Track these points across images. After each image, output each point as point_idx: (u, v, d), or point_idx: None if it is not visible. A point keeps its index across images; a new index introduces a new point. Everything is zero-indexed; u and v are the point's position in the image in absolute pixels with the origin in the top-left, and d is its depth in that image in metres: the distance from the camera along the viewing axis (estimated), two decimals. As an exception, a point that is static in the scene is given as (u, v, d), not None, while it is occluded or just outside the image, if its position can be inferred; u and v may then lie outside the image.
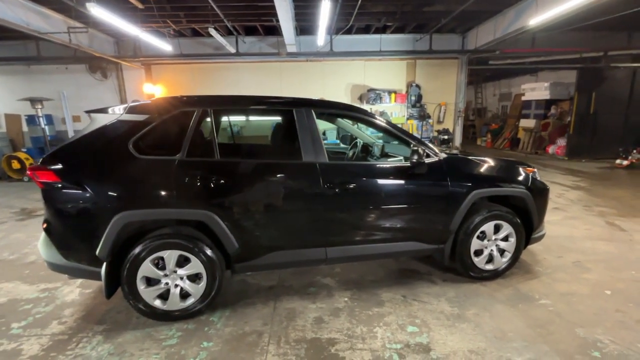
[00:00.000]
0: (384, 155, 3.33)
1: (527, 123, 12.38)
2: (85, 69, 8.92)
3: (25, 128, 9.10)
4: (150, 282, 2.34)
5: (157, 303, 2.35)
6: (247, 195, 2.39)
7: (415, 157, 2.51)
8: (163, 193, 2.25)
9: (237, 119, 6.69)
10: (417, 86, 9.29)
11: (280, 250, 2.50)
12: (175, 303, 2.36)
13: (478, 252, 2.89)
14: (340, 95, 9.51)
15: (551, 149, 10.74)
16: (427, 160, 2.63)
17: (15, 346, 2.21)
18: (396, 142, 3.16)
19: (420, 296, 2.74)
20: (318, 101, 2.72)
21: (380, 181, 2.61)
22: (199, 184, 2.29)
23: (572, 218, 4.75)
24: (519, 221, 2.89)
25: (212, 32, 6.58)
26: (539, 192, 2.98)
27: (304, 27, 8.41)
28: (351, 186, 2.50)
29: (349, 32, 8.56)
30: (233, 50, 8.35)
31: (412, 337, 2.24)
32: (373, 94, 9.07)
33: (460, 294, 2.77)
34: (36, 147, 8.60)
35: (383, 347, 2.14)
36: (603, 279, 3.01)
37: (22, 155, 8.21)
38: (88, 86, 9.08)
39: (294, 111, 2.56)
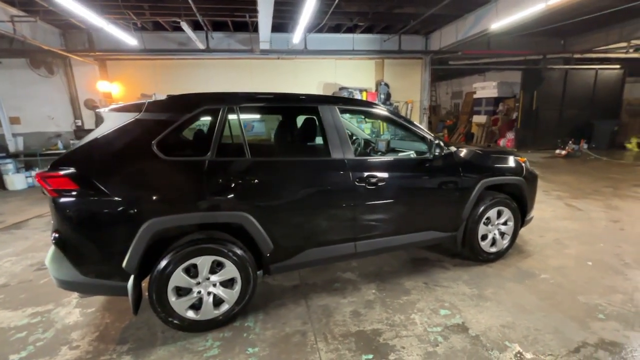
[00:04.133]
0: (390, 150, 3.46)
1: (479, 119, 13.54)
2: (25, 63, 7.81)
3: (-52, 132, 7.74)
4: (180, 292, 2.19)
5: (190, 314, 2.20)
6: (281, 194, 2.34)
7: (437, 150, 2.66)
8: (195, 196, 2.11)
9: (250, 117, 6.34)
10: (386, 85, 9.67)
11: (313, 247, 2.49)
12: (209, 311, 2.24)
13: (484, 237, 3.14)
14: (313, 93, 9.54)
15: (502, 142, 11.89)
16: (444, 153, 2.80)
17: (26, 380, 1.93)
18: (403, 138, 3.29)
19: (440, 282, 2.91)
20: (341, 98, 2.74)
21: (405, 174, 2.72)
22: (233, 184, 2.19)
23: (538, 202, 5.30)
24: (516, 206, 3.20)
25: (184, 26, 6.19)
26: (532, 179, 3.33)
27: (276, 24, 8.26)
28: (378, 180, 2.57)
29: (320, 30, 8.62)
30: (203, 46, 7.93)
31: (447, 319, 2.38)
32: (345, 92, 9.24)
33: (473, 276, 2.99)
34: (-37, 154, 7.39)
35: (425, 331, 2.25)
36: (581, 252, 3.45)
37: (-53, 164, 6.99)
38: (30, 83, 7.97)
39: (319, 108, 2.55)
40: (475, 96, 14.05)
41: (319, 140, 2.80)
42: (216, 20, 7.91)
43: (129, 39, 6.77)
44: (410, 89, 10.20)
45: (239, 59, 8.94)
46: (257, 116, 7.58)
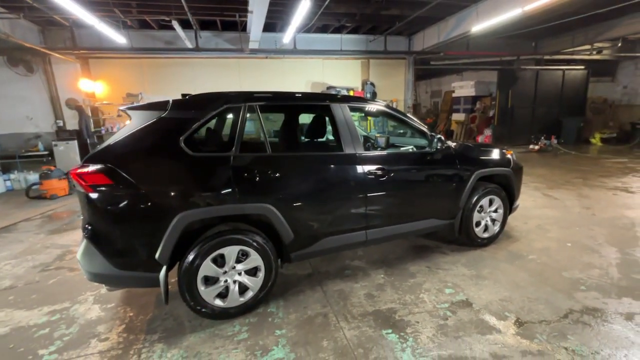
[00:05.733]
0: (390, 145, 3.69)
1: (458, 117, 14.14)
2: (2, 61, 7.46)
3: None
4: (208, 281, 2.31)
5: (218, 302, 2.33)
6: (300, 186, 2.50)
7: (439, 144, 2.90)
8: (224, 190, 2.23)
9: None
10: (372, 84, 9.96)
11: (329, 236, 2.66)
12: (235, 299, 2.37)
13: (478, 224, 3.43)
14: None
15: (480, 139, 12.50)
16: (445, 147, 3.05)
17: (63, 371, 1.99)
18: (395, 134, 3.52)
19: (441, 265, 3.17)
20: (349, 96, 2.92)
21: (410, 167, 2.96)
22: (257, 178, 2.33)
23: (519, 193, 5.77)
24: (505, 195, 3.52)
25: (175, 25, 6.16)
26: (518, 170, 3.66)
27: (264, 23, 8.34)
28: (386, 173, 2.78)
29: (307, 31, 8.78)
30: (192, 45, 7.88)
31: (452, 297, 2.63)
32: (333, 91, 9.45)
33: (470, 259, 3.27)
34: None
35: (435, 308, 2.49)
36: (561, 235, 3.83)
37: None
38: (7, 82, 7.61)
39: (331, 106, 2.73)
40: (454, 95, 14.66)
41: (328, 136, 2.97)
42: (204, 20, 7.88)
43: (118, 37, 6.64)
44: (394, 88, 10.56)
45: (228, 59, 8.94)
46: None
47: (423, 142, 3.33)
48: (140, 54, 8.18)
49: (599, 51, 10.88)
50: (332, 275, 3.03)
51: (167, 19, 6.81)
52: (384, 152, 2.94)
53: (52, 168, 6.61)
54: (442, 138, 2.96)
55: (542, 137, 10.83)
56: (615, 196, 5.40)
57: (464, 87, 13.98)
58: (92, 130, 8.03)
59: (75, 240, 4.20)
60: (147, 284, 2.20)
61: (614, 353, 1.98)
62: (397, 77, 10.47)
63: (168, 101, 2.29)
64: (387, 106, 3.08)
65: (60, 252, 3.85)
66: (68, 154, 7.63)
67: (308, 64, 9.61)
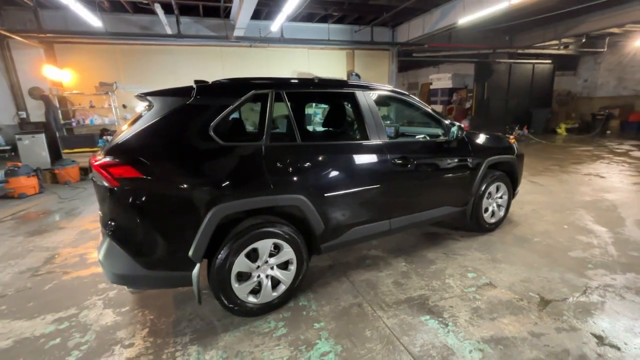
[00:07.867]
0: (399, 135, 3.70)
1: (436, 108, 14.57)
2: (-50, 44, 6.59)
3: None
4: (241, 278, 2.20)
5: (251, 298, 2.23)
6: (331, 176, 2.43)
7: (460, 132, 2.94)
8: (257, 180, 2.12)
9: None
10: (357, 75, 9.95)
11: (357, 226, 2.62)
12: (268, 294, 2.28)
13: (486, 210, 3.55)
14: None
15: (458, 129, 12.97)
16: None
17: (92, 383, 1.82)
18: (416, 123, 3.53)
19: (456, 251, 3.25)
20: (371, 84, 2.86)
21: (432, 155, 2.98)
22: (289, 168, 2.23)
23: (506, 180, 6.05)
24: (510, 181, 3.66)
25: (157, 8, 5.72)
26: (520, 157, 3.82)
27: (249, 10, 8.00)
28: (410, 161, 2.78)
29: (293, 19, 8.55)
30: (172, 31, 7.38)
31: (476, 280, 2.71)
32: (319, 82, 9.33)
33: (481, 244, 3.39)
34: None
35: (463, 292, 2.55)
36: (556, 219, 4.06)
37: None
38: (-42, 68, 6.77)
39: (356, 94, 2.66)
40: (431, 87, 15.05)
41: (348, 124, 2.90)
42: (184, 4, 7.41)
43: (93, 20, 6.05)
44: (379, 80, 10.62)
45: (210, 46, 8.50)
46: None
47: (434, 130, 3.37)
48: (113, 40, 7.54)
49: (566, 46, 11.59)
50: (354, 266, 3.01)
51: (145, 1, 6.32)
52: (408, 141, 2.93)
53: (19, 164, 6.01)
54: (462, 126, 3.00)
55: (517, 128, 11.43)
56: (591, 181, 5.81)
57: (441, 80, 14.39)
58: (62, 122, 7.37)
59: (62, 242, 3.86)
60: (178, 284, 2.05)
61: (635, 324, 2.13)
62: (382, 67, 10.54)
63: (192, 87, 2.12)
64: (405, 94, 3.07)
65: (48, 255, 3.52)
66: (34, 148, 6.94)
67: (293, 53, 9.39)
